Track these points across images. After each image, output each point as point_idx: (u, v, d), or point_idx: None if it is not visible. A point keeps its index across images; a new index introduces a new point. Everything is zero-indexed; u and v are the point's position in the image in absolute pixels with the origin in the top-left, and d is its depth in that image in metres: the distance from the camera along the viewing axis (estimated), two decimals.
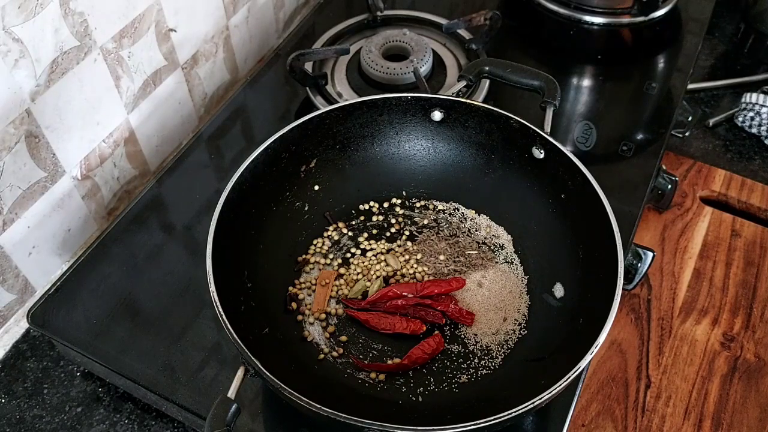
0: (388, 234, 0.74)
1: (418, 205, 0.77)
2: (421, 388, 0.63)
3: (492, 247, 0.73)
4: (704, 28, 1.00)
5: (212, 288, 0.57)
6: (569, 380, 0.52)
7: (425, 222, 0.75)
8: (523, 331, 0.66)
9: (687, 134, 0.98)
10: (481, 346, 0.66)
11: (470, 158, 0.75)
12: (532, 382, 0.56)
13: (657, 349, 0.75)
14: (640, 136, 0.83)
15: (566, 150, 0.66)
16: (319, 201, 0.75)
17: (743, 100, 1.00)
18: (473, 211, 0.76)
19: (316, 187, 0.75)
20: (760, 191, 0.90)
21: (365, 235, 0.74)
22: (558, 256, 0.69)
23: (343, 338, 0.66)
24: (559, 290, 0.67)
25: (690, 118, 0.98)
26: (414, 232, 0.74)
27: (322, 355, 0.65)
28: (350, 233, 0.74)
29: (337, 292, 0.70)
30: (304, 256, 0.72)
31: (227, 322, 0.55)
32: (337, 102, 0.84)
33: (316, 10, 1.03)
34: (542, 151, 0.68)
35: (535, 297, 0.69)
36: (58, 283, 0.70)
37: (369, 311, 0.67)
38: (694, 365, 0.74)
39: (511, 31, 0.97)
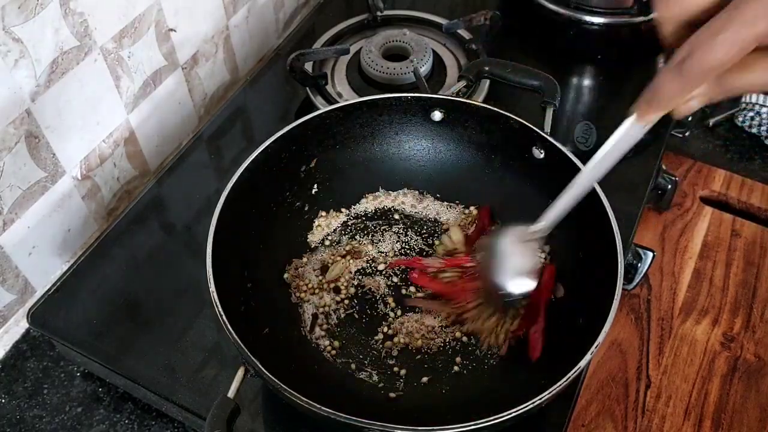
0: None
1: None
2: (422, 388, 0.63)
3: None
4: None
5: (212, 288, 0.57)
6: (569, 380, 0.52)
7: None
8: (523, 331, 0.66)
9: (687, 134, 0.98)
10: (481, 345, 0.66)
11: (470, 158, 0.75)
12: (532, 382, 0.56)
13: (657, 349, 0.75)
14: None
15: (566, 150, 0.66)
16: (319, 201, 0.75)
17: (743, 99, 1.00)
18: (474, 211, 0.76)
19: (316, 187, 0.75)
20: (760, 191, 0.89)
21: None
22: (558, 256, 0.69)
23: (341, 335, 0.66)
24: (559, 290, 0.67)
25: (690, 118, 0.98)
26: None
27: (323, 354, 0.65)
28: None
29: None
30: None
31: (227, 322, 0.55)
32: (337, 102, 0.84)
33: (316, 10, 1.03)
34: (542, 151, 0.68)
35: None
36: (58, 283, 0.70)
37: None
38: (694, 365, 0.74)
39: (511, 31, 0.97)
